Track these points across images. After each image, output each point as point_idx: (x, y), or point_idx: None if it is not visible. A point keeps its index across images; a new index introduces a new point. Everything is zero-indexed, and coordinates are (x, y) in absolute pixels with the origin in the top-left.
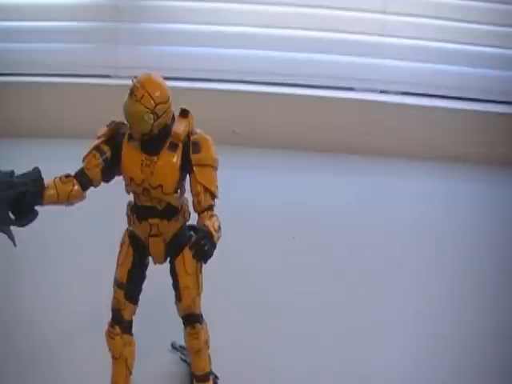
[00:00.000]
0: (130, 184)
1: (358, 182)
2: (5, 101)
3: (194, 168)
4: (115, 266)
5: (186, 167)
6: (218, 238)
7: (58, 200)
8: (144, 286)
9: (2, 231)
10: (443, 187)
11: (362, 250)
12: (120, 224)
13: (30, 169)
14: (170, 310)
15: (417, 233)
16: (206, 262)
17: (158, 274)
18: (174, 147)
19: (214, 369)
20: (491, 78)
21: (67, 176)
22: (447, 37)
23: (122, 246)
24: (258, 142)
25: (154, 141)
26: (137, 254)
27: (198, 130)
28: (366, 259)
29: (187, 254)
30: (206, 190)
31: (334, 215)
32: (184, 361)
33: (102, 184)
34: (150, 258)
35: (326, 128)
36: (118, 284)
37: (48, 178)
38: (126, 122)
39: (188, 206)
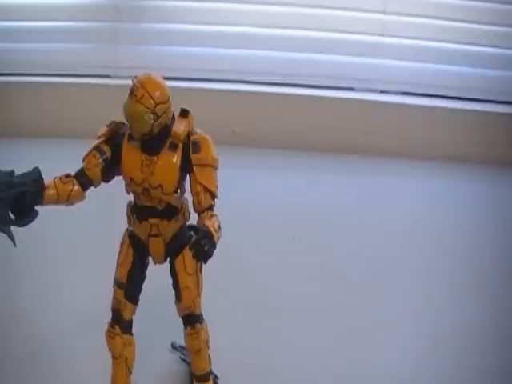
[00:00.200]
0: (130, 184)
1: (358, 181)
2: (5, 101)
3: (194, 168)
4: (115, 265)
5: (186, 167)
6: (218, 238)
7: (58, 200)
8: (144, 286)
9: (2, 231)
10: (443, 187)
11: (362, 249)
12: (120, 224)
13: (30, 169)
14: (170, 310)
15: (417, 233)
16: (206, 261)
17: (158, 274)
18: (174, 147)
19: (214, 369)
20: (491, 77)
21: (67, 176)
22: (447, 37)
23: (122, 246)
24: (258, 141)
25: (154, 141)
26: (137, 253)
27: (198, 130)
28: (366, 259)
29: (187, 254)
30: (206, 190)
31: (334, 215)
32: (184, 361)
33: (102, 184)
34: (150, 258)
35: (326, 128)
36: (118, 284)
37: (48, 178)
38: (125, 122)
39: (188, 206)
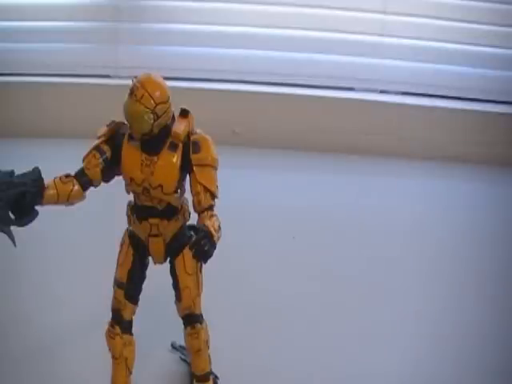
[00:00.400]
0: (130, 184)
1: (358, 182)
2: (5, 101)
3: (194, 168)
4: (115, 265)
5: (186, 167)
6: (218, 237)
7: (58, 200)
8: (144, 286)
9: (2, 231)
10: (443, 187)
11: (362, 249)
12: (120, 224)
13: (30, 169)
14: (170, 310)
15: (417, 233)
16: (205, 261)
17: (158, 274)
18: (174, 147)
19: (214, 369)
20: (491, 77)
21: (67, 176)
22: (447, 37)
23: (122, 246)
24: (258, 142)
25: (154, 141)
26: (137, 253)
27: (198, 130)
28: (366, 259)
29: (187, 253)
30: (206, 189)
31: (334, 215)
32: (184, 361)
33: (102, 184)
34: (150, 258)
35: (325, 128)
36: (118, 284)
37: (48, 178)
38: (125, 122)
39: (188, 206)
